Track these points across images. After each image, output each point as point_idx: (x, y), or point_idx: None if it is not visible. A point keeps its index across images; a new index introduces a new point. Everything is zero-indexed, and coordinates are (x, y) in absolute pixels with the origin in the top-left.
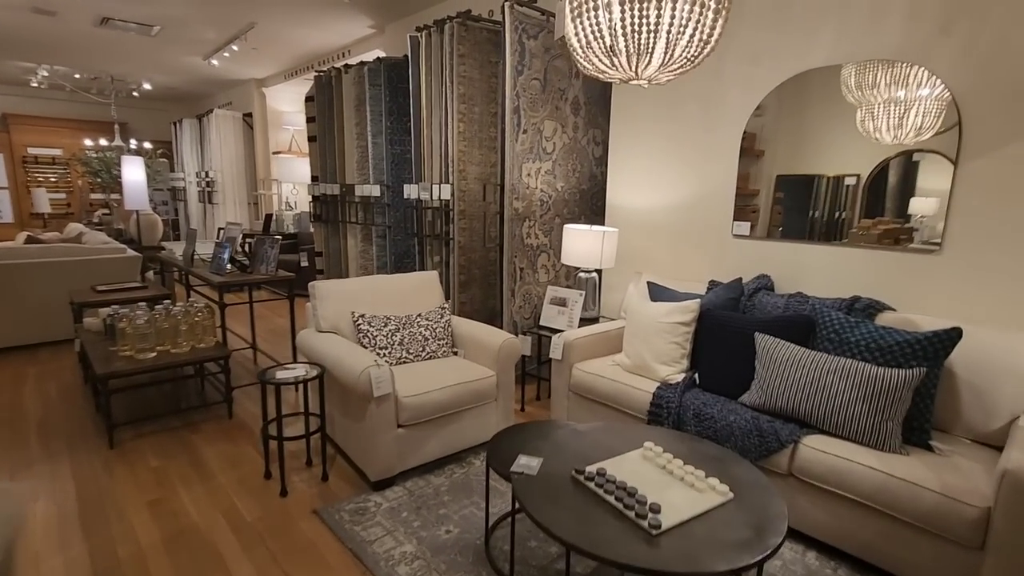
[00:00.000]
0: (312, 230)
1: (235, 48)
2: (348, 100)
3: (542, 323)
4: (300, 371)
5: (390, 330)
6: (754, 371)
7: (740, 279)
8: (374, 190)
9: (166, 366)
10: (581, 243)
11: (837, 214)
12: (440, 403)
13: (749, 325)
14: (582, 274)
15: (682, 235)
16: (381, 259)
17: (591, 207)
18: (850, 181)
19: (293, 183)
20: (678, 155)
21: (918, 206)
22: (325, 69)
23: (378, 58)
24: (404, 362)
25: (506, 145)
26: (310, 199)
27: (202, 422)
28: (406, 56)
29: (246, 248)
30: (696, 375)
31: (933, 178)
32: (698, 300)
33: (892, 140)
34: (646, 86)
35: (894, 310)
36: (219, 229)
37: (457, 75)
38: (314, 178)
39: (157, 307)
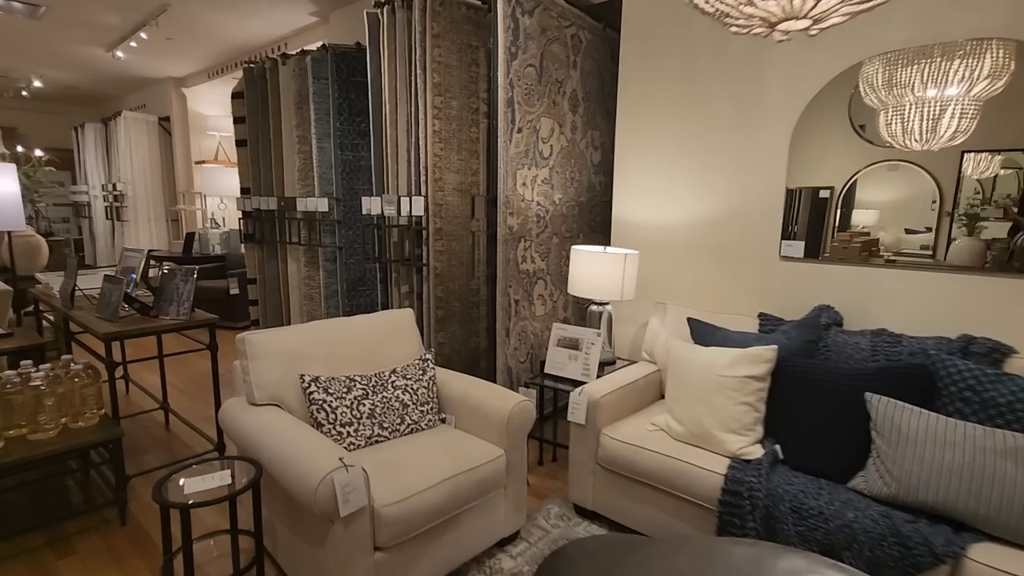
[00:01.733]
0: (244, 251)
1: (144, 37)
2: (287, 97)
3: (548, 370)
4: (221, 477)
5: (355, 398)
6: (861, 443)
7: (817, 313)
8: (321, 204)
9: (15, 464)
10: (595, 269)
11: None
12: (434, 507)
13: (847, 378)
14: (594, 307)
15: (712, 257)
16: (330, 286)
17: (589, 223)
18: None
19: (220, 197)
20: (704, 162)
21: None
22: (257, 60)
23: (324, 45)
24: (377, 441)
25: (499, 147)
26: (240, 215)
27: (80, 535)
28: (359, 44)
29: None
30: (777, 447)
31: None
32: (774, 347)
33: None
34: (814, 32)
35: (1018, 353)
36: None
37: (431, 60)
38: (244, 190)
39: (5, 373)
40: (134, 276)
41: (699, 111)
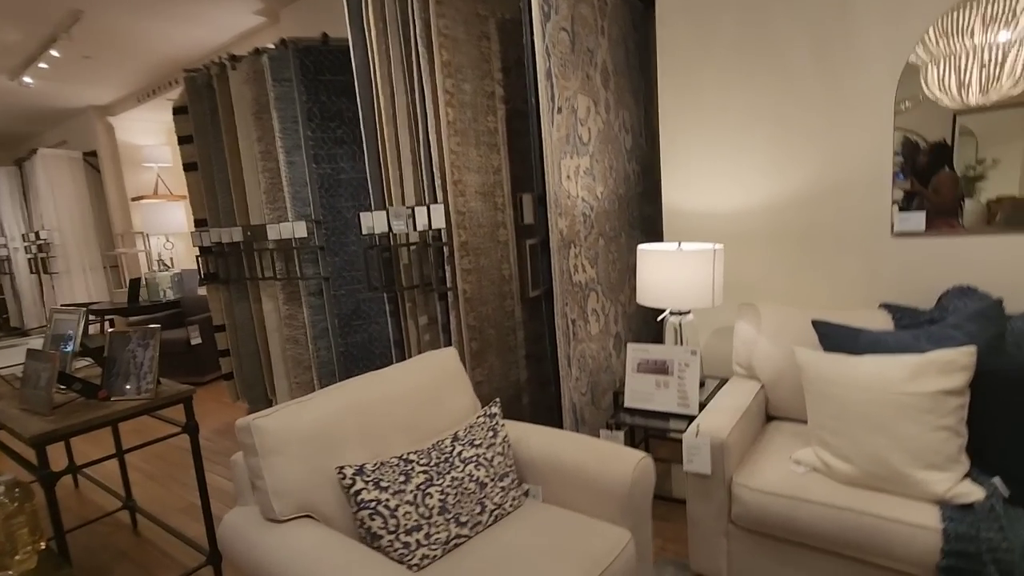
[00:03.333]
0: (206, 293)
1: (56, 55)
2: (242, 106)
3: (630, 403)
4: None
5: (418, 487)
6: None
7: (956, 297)
8: (297, 229)
9: None
10: (672, 271)
11: None
12: None
13: None
14: (673, 318)
15: (800, 243)
16: (318, 324)
17: (628, 219)
18: None
19: (165, 235)
20: (778, 127)
21: None
22: (200, 67)
23: (283, 40)
24: (457, 545)
25: (543, 131)
26: (197, 252)
27: None
28: (326, 35)
29: (98, 345)
30: (997, 481)
31: None
32: (970, 349)
33: None
34: None
35: None
36: (53, 313)
37: (437, 32)
38: (199, 222)
39: None
40: (70, 345)
41: (766, 63)
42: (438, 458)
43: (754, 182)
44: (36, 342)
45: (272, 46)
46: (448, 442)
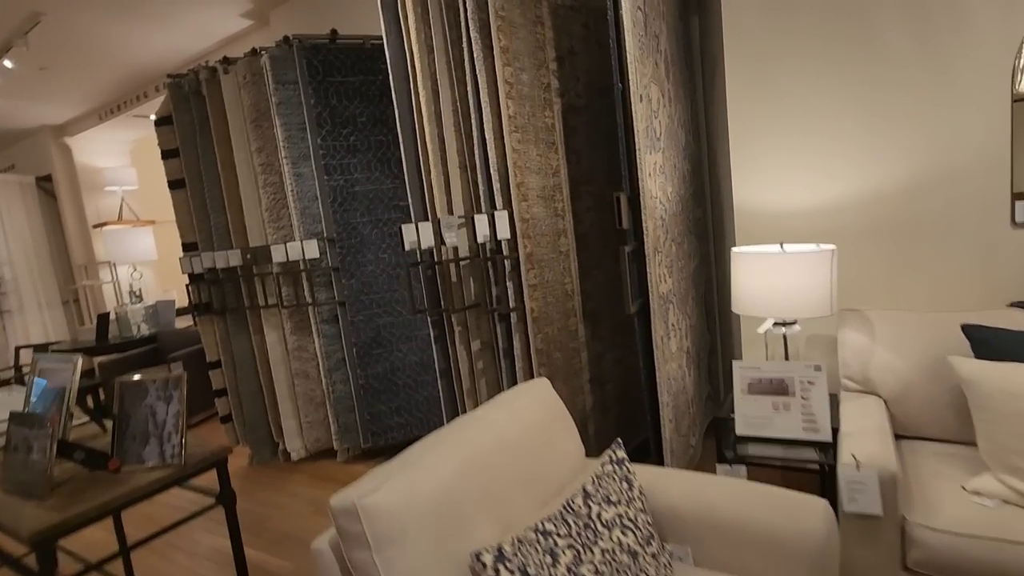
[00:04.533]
0: (195, 326)
1: (9, 66)
2: (237, 113)
3: (743, 431)
4: None
5: (568, 569)
6: None
7: None
8: (308, 249)
9: None
10: (779, 276)
11: None
12: None
13: None
14: (780, 329)
15: (897, 239)
16: (333, 355)
17: (687, 222)
18: None
19: (133, 263)
20: (872, 113)
21: None
22: (185, 72)
23: (286, 38)
24: None
25: (635, 119)
26: (187, 281)
27: None
28: (335, 31)
29: (97, 401)
30: None
31: None
32: None
33: None
34: None
35: None
36: (35, 359)
37: (495, 13)
38: (189, 247)
39: None
40: (63, 402)
41: (859, 57)
42: (577, 524)
43: (842, 175)
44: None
45: (274, 44)
46: (580, 501)
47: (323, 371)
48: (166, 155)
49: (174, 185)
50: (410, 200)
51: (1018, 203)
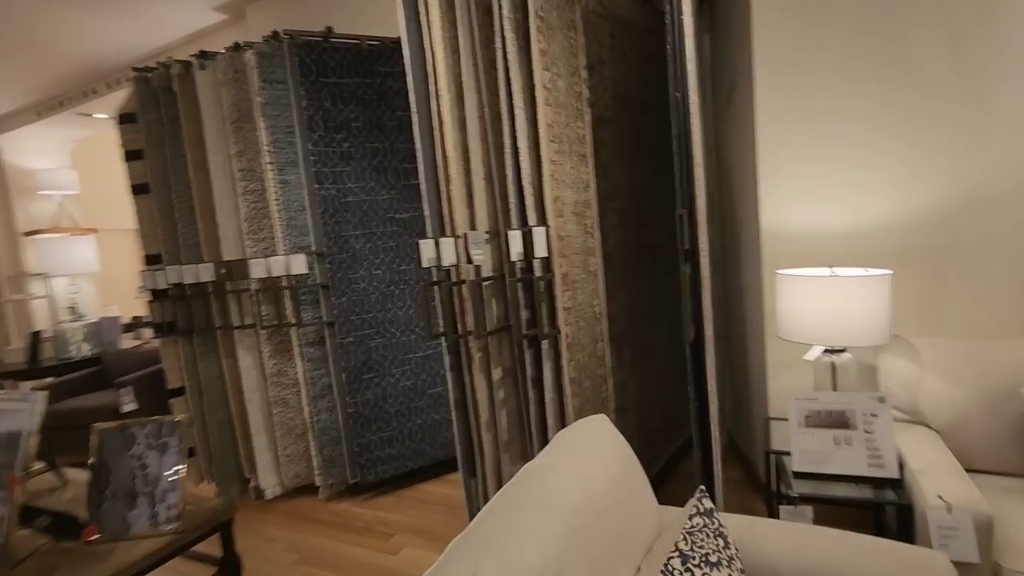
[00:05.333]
0: (154, 344)
1: None
2: (213, 112)
3: (800, 467)
4: None
5: None
6: None
7: None
8: (295, 264)
9: None
10: (829, 301)
11: None
12: None
13: None
14: (830, 358)
15: (936, 264)
16: (319, 381)
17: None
18: None
19: (70, 275)
20: (917, 128)
21: None
22: (155, 66)
23: (276, 33)
24: None
25: (693, 126)
26: (149, 297)
27: None
28: (330, 28)
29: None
30: None
31: None
32: None
33: None
34: None
35: None
36: None
37: (535, 14)
38: (152, 259)
39: None
40: (20, 453)
41: (901, 70)
42: None
43: (879, 195)
44: None
45: (262, 40)
46: (678, 564)
47: (306, 398)
48: (129, 156)
49: (138, 190)
50: (426, 212)
51: None
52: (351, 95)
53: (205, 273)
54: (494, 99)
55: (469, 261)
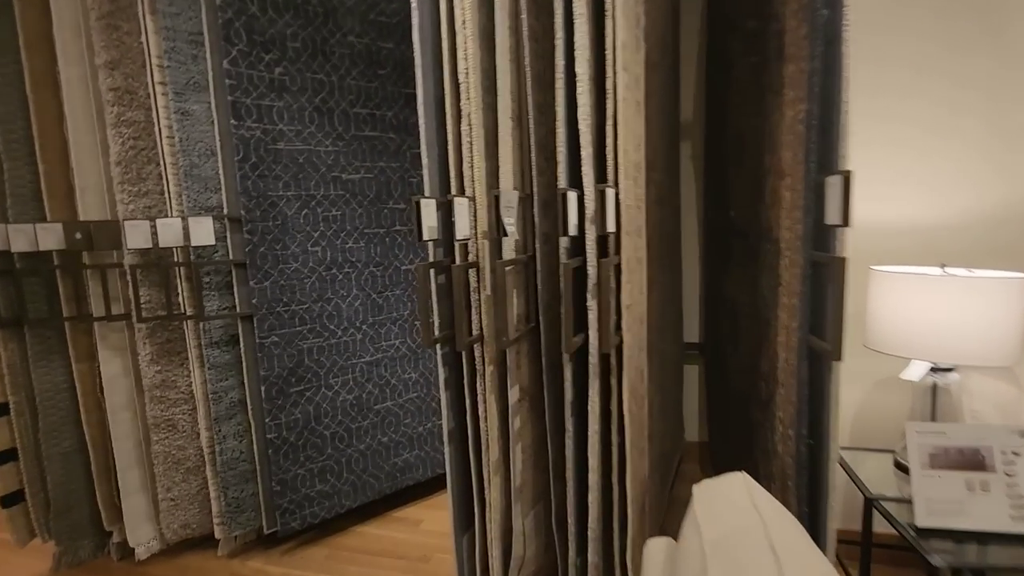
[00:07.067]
0: None
1: None
2: (68, 4)
3: (924, 522)
4: None
5: None
6: None
7: None
8: (197, 231)
9: None
10: (943, 308)
11: None
12: None
13: None
14: (934, 378)
15: None
16: (227, 395)
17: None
18: None
19: None
20: (1000, 126)
21: None
22: None
23: None
24: None
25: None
26: None
27: None
28: None
29: None
30: None
31: None
32: None
33: None
34: None
35: None
36: None
37: None
38: None
39: None
40: None
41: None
42: None
43: (960, 187)
44: None
45: None
46: None
47: (204, 420)
48: None
49: None
50: (424, 160)
51: None
52: (289, 1)
53: (48, 238)
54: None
55: (501, 232)
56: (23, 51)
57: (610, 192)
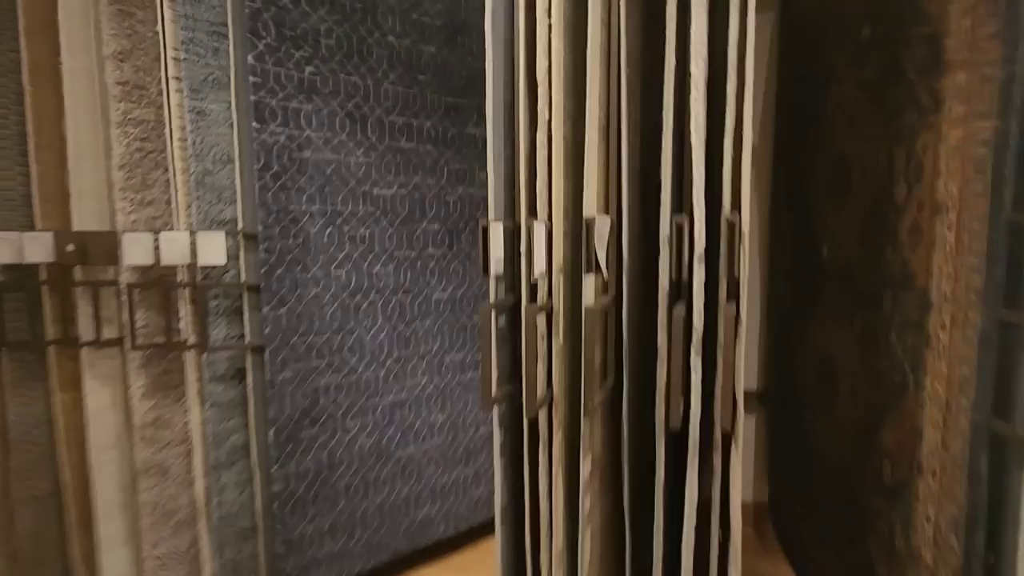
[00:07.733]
0: None
1: None
2: None
3: None
4: None
5: None
6: None
7: None
8: (206, 247)
9: None
10: None
11: None
12: None
13: None
14: None
15: None
16: (228, 439)
17: None
18: None
19: None
20: None
21: None
22: None
23: None
24: None
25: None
26: None
27: None
28: None
29: None
30: None
31: None
32: None
33: None
34: None
35: None
36: None
37: None
38: None
39: None
40: None
41: None
42: None
43: None
44: None
45: None
46: None
47: (202, 465)
48: None
49: None
50: (490, 178)
51: None
52: None
53: (36, 248)
54: None
55: (595, 268)
56: (23, 37)
57: (731, 221)
